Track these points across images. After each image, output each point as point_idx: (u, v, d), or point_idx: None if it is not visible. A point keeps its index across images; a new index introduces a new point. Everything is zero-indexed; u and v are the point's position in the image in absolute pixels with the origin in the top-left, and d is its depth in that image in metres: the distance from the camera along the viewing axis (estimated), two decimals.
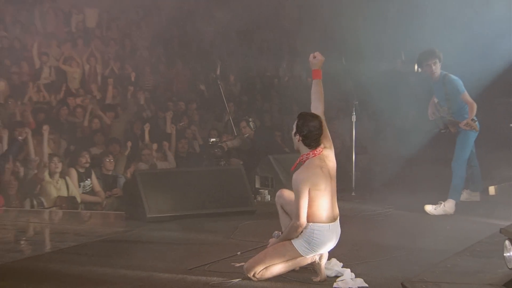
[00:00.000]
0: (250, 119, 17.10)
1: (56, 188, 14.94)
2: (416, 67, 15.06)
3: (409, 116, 17.68)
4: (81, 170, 15.31)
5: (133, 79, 21.18)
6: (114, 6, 23.56)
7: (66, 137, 17.05)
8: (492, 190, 14.58)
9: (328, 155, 8.45)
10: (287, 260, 8.46)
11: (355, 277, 8.31)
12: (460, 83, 12.92)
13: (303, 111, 8.60)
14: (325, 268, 8.74)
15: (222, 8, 22.56)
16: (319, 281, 8.43)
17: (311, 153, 8.38)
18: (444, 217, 12.64)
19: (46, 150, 15.65)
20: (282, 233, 8.68)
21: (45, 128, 15.91)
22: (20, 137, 15.85)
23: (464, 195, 13.51)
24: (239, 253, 9.57)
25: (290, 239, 8.40)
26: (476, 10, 15.39)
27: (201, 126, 19.04)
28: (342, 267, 8.58)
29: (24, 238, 12.16)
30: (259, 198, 14.45)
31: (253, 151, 16.36)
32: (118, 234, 11.82)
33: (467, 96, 12.87)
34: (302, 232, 8.34)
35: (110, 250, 10.44)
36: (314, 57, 8.90)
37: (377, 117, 17.95)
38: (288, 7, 23.04)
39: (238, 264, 9.14)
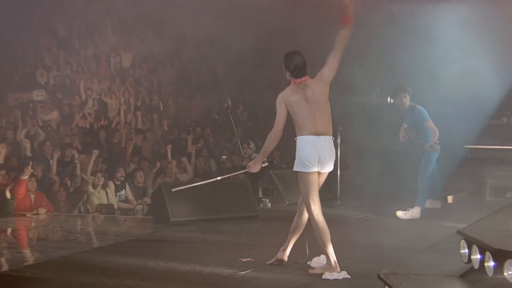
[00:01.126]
0: (251, 142, 17.14)
1: (98, 197, 14.98)
2: (389, 99, 15.11)
3: (384, 139, 17.69)
4: (117, 183, 15.34)
5: (162, 109, 21.26)
6: (144, 50, 23.66)
7: (105, 156, 17.07)
8: (450, 199, 14.59)
9: (311, 86, 8.73)
10: (313, 186, 8.55)
11: (340, 270, 8.31)
12: (425, 112, 13.14)
13: None
14: (315, 262, 8.76)
15: (231, 51, 22.61)
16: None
17: (296, 81, 8.76)
18: (411, 221, 12.66)
19: (91, 167, 15.69)
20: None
21: (95, 152, 16.01)
22: (76, 161, 15.94)
23: (428, 203, 13.52)
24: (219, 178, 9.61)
25: (268, 150, 8.86)
26: (430, 49, 15.43)
27: (214, 147, 19.03)
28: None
29: (72, 238, 12.15)
30: (261, 206, 14.43)
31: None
32: (147, 234, 11.81)
33: (431, 123, 13.06)
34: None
35: (141, 247, 10.45)
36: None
37: (358, 140, 17.93)
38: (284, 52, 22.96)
39: (245, 259, 9.14)
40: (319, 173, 8.63)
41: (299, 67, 8.79)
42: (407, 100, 13.25)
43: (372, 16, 16.45)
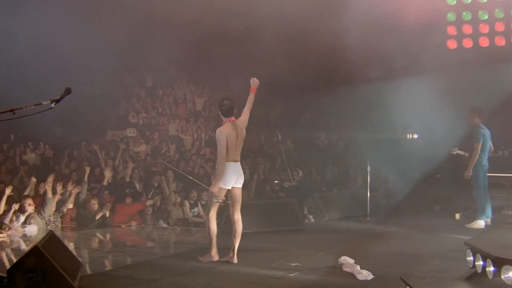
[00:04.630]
0: (299, 170, 17.11)
1: (177, 213, 15.10)
2: (408, 135, 15.23)
3: (403, 169, 17.69)
4: (191, 201, 15.42)
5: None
6: (213, 97, 23.86)
7: (181, 180, 17.16)
8: (457, 216, 14.38)
9: (239, 125, 9.48)
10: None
11: (367, 272, 8.29)
12: (481, 135, 12.99)
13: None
14: (343, 261, 8.75)
15: (283, 98, 22.80)
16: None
17: (227, 120, 9.41)
18: (427, 232, 12.35)
19: (171, 188, 15.84)
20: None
21: (170, 174, 16.18)
22: (156, 184, 16.13)
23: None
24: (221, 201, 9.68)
25: (221, 174, 9.24)
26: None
27: (269, 173, 18.99)
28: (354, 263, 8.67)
29: (156, 245, 12.27)
30: (306, 221, 14.35)
31: (303, 189, 16.31)
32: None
33: (478, 147, 12.92)
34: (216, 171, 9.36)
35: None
36: (253, 80, 9.82)
37: (382, 168, 17.89)
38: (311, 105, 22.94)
39: (293, 264, 9.14)
40: (235, 188, 9.52)
41: (228, 109, 9.46)
42: (474, 119, 13.12)
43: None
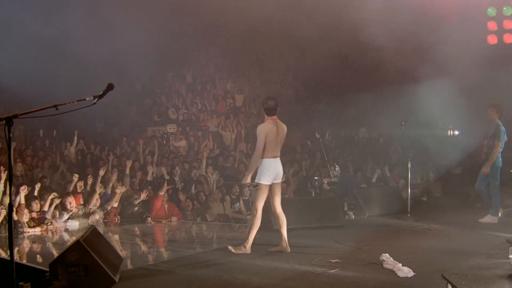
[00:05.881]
0: (336, 165, 17.03)
1: (217, 209, 15.16)
2: (449, 132, 15.07)
3: (442, 165, 17.53)
4: (233, 197, 15.46)
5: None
6: (253, 93, 23.89)
7: (223, 175, 17.22)
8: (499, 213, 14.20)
9: (281, 125, 9.99)
10: (264, 194, 9.90)
11: (408, 270, 8.24)
12: (503, 134, 12.87)
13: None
14: (383, 260, 8.72)
15: (322, 94, 22.72)
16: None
17: (270, 118, 9.95)
18: (468, 230, 12.22)
19: (215, 185, 15.94)
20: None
21: (210, 170, 16.27)
22: (194, 178, 16.23)
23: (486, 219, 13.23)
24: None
25: (254, 168, 9.86)
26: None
27: (309, 169, 18.95)
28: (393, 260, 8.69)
29: (196, 240, 12.33)
30: (346, 217, 14.28)
31: (343, 185, 16.28)
32: (255, 239, 11.65)
33: (498, 144, 12.80)
34: (259, 167, 9.83)
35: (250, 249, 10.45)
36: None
37: (423, 165, 17.75)
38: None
39: (333, 260, 9.13)
40: (275, 184, 9.99)
41: (271, 108, 9.94)
42: (493, 114, 13.00)
43: None
